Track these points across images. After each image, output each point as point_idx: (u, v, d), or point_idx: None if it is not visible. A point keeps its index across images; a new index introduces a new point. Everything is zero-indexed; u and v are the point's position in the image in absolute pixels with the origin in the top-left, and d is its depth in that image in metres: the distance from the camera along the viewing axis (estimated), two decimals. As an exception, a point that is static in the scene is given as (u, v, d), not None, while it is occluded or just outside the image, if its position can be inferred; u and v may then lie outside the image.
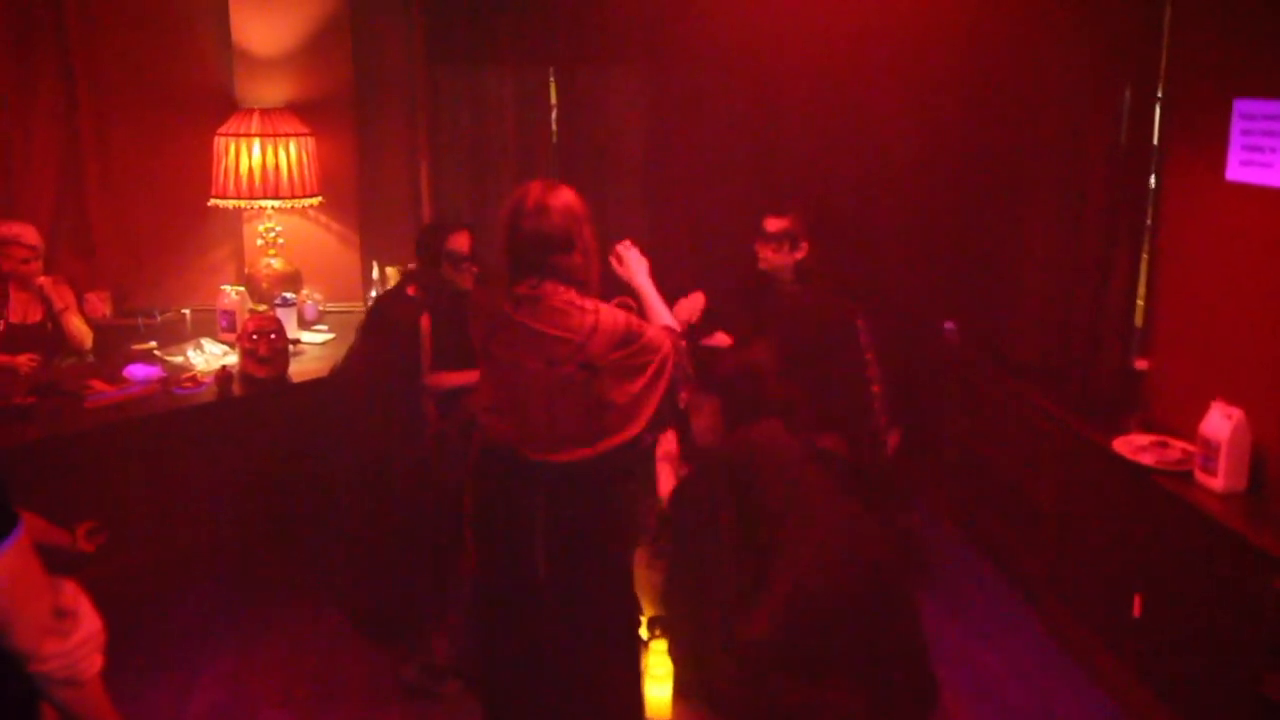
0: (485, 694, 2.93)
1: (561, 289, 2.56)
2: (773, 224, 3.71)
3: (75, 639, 1.41)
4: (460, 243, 3.74)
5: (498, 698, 2.86)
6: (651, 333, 2.63)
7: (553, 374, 2.55)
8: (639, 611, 2.99)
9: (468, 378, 3.36)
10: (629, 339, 2.57)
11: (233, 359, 4.00)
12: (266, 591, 3.89)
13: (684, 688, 3.18)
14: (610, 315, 2.58)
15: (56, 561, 1.52)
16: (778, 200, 3.80)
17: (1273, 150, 2.95)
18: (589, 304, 2.57)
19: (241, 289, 4.40)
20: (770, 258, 3.74)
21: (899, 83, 4.72)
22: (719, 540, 3.05)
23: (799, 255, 3.70)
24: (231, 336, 4.16)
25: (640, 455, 2.65)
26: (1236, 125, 3.10)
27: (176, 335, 4.37)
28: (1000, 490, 4.30)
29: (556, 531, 2.62)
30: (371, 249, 4.83)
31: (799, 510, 2.98)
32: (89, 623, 1.44)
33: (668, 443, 3.50)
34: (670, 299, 3.04)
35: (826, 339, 3.69)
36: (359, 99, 4.76)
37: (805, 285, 3.77)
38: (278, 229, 4.62)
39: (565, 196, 2.60)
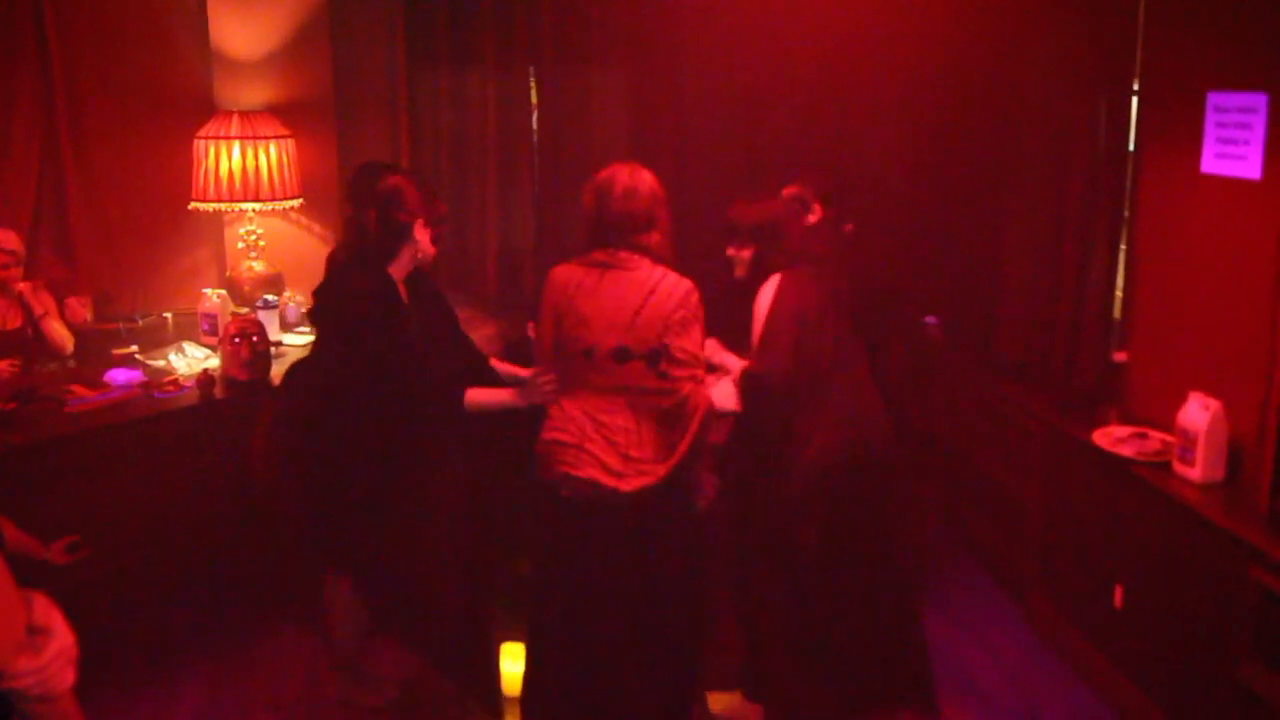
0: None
1: (636, 257, 2.82)
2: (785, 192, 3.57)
3: (47, 654, 1.40)
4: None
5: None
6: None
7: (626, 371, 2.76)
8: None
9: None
10: (689, 298, 2.80)
11: (215, 362, 3.99)
12: (252, 596, 3.88)
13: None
14: (676, 276, 2.84)
15: (26, 572, 1.51)
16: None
17: (1245, 142, 2.97)
18: (658, 268, 2.84)
19: (223, 292, 4.38)
20: None
21: (880, 83, 4.72)
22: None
23: (812, 219, 3.57)
24: (213, 339, 4.14)
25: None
26: (1210, 118, 3.12)
27: (158, 339, 4.34)
28: (984, 485, 4.32)
29: (640, 574, 2.82)
30: (353, 250, 4.82)
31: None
32: (61, 637, 1.43)
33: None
34: None
35: (887, 295, 3.67)
36: (339, 100, 4.73)
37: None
38: (259, 231, 4.60)
39: (649, 180, 2.89)
